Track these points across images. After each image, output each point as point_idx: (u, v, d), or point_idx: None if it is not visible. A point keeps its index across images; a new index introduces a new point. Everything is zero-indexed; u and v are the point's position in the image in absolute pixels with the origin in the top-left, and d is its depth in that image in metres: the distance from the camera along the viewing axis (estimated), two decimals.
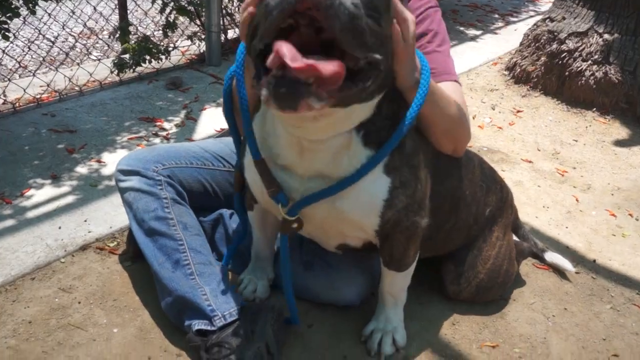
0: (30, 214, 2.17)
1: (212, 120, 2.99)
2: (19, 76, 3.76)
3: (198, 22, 3.80)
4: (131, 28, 3.62)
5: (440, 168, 1.58)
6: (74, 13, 3.64)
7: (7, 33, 2.65)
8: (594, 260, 2.25)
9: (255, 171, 1.44)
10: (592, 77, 3.54)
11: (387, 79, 1.24)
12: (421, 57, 1.40)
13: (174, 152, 1.91)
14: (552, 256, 2.17)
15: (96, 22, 4.55)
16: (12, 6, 2.61)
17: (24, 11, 2.74)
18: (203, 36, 3.76)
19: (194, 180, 1.91)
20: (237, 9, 4.02)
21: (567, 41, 3.69)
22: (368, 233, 1.48)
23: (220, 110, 3.11)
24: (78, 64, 3.40)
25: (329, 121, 1.21)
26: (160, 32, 3.67)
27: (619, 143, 3.26)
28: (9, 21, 2.64)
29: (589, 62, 3.58)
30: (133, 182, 1.80)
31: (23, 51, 4.01)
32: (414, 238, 1.53)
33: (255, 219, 1.76)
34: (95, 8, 3.80)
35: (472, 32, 5.05)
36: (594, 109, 3.56)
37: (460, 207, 1.73)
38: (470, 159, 1.79)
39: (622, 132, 3.36)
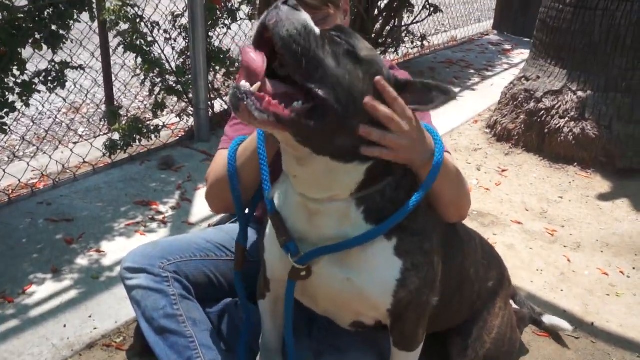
0: (34, 313, 2.17)
1: None
2: (7, 158, 3.79)
3: (186, 98, 3.88)
4: (118, 104, 3.69)
5: (447, 246, 1.64)
6: (59, 95, 3.70)
7: (4, 127, 2.69)
8: (592, 324, 2.30)
9: (273, 244, 1.48)
10: (570, 134, 3.67)
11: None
12: (431, 130, 1.45)
13: (177, 246, 1.94)
14: (549, 319, 2.22)
15: (83, 98, 4.62)
16: (9, 101, 2.67)
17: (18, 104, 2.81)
18: (191, 112, 3.84)
19: (199, 273, 1.93)
20: (223, 83, 4.12)
21: (543, 99, 3.84)
22: (381, 311, 1.52)
23: None
24: (71, 150, 3.43)
25: (313, 169, 1.27)
26: (147, 105, 3.74)
27: (603, 197, 3.36)
28: (5, 116, 2.69)
29: (566, 119, 3.71)
30: (140, 280, 1.82)
31: (10, 132, 4.05)
32: (424, 316, 1.58)
33: (266, 308, 1.77)
34: (80, 86, 3.88)
35: None
36: (575, 163, 3.68)
37: (465, 284, 1.78)
38: (472, 238, 1.86)
39: (605, 186, 3.47)
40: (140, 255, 1.88)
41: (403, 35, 5.83)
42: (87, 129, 4.42)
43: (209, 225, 2.74)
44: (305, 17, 1.19)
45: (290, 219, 1.44)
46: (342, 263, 1.42)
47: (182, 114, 3.87)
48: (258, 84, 1.16)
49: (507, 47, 7.04)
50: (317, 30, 1.21)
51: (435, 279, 1.54)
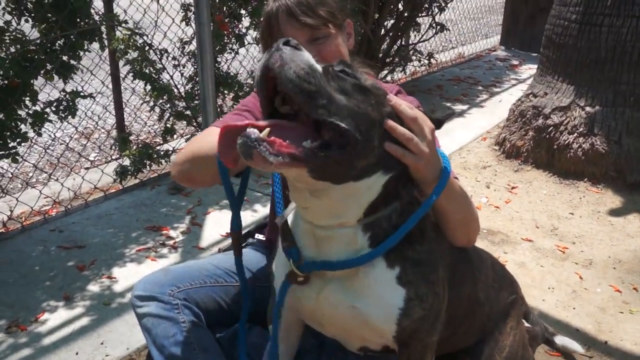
0: (47, 341, 2.19)
1: (217, 224, 3.06)
2: (20, 185, 3.84)
3: (194, 123, 3.92)
4: (129, 133, 3.74)
5: (457, 274, 1.64)
6: (70, 123, 3.76)
7: (16, 157, 2.74)
8: (606, 342, 2.28)
9: (283, 272, 1.49)
10: (579, 149, 3.67)
11: (384, 163, 1.31)
12: (439, 151, 1.46)
13: (187, 273, 1.95)
14: (562, 340, 2.20)
15: (90, 122, 4.68)
16: (22, 132, 2.72)
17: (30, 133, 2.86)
18: None
19: (209, 299, 1.94)
20: (232, 107, 4.16)
21: (551, 116, 3.84)
22: (387, 338, 1.52)
23: (224, 213, 3.19)
24: (82, 177, 3.48)
25: (329, 198, 1.29)
26: (157, 130, 3.78)
27: (614, 212, 3.34)
28: (18, 146, 2.74)
29: (575, 134, 3.71)
30: (151, 307, 1.83)
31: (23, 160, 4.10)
32: (430, 346, 1.57)
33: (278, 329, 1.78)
34: (90, 113, 3.93)
35: (459, 107, 5.23)
36: (585, 179, 3.66)
37: (475, 310, 1.77)
38: (484, 260, 1.85)
39: (616, 201, 3.45)
40: (150, 282, 1.89)
41: (410, 53, 5.87)
42: (98, 155, 4.47)
43: (219, 250, 2.75)
44: (308, 56, 1.22)
45: (299, 243, 1.46)
46: (348, 290, 1.43)
47: (191, 139, 3.91)
48: (267, 130, 1.18)
49: (515, 62, 7.06)
50: (320, 67, 1.24)
51: (440, 310, 1.54)
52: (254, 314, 1.93)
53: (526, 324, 2.20)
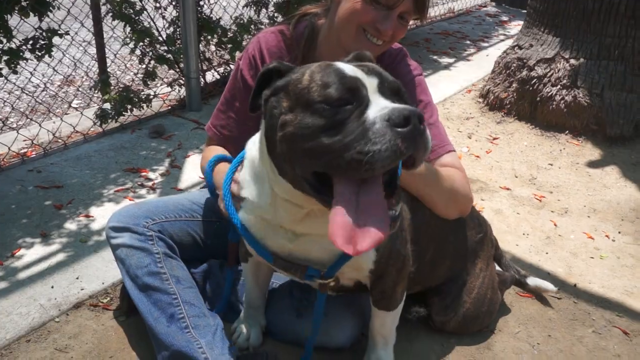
0: (22, 275, 2.20)
1: (196, 167, 3.05)
2: (1, 129, 3.80)
3: (177, 68, 3.87)
4: (111, 78, 3.69)
5: (413, 201, 1.71)
6: (52, 67, 3.69)
7: None
8: (575, 285, 2.32)
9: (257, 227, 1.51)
10: (562, 101, 3.67)
11: None
12: None
13: (162, 206, 1.96)
14: (533, 281, 2.25)
15: (74, 70, 4.61)
16: None
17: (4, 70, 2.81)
18: (182, 82, 3.83)
19: (183, 233, 1.96)
20: (214, 53, 4.11)
21: (536, 67, 3.82)
22: (363, 271, 1.55)
23: None
24: (61, 118, 3.44)
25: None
26: (140, 77, 3.73)
27: (592, 164, 3.37)
28: None
29: (558, 86, 3.70)
30: (125, 238, 1.85)
31: (3, 103, 4.05)
32: (403, 270, 1.61)
33: (249, 270, 1.81)
34: (73, 59, 3.87)
35: (445, 60, 5.20)
36: (567, 131, 3.68)
37: (436, 235, 1.82)
38: None
39: (595, 153, 3.47)
40: (125, 214, 1.90)
41: None
42: (81, 101, 4.41)
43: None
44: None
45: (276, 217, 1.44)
46: (323, 237, 1.44)
47: (173, 84, 3.87)
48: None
49: (505, 18, 6.99)
50: None
51: (406, 229, 1.61)
52: (222, 250, 1.95)
53: (498, 268, 2.24)
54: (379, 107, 1.13)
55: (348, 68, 1.22)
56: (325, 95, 1.16)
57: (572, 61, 3.70)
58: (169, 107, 3.83)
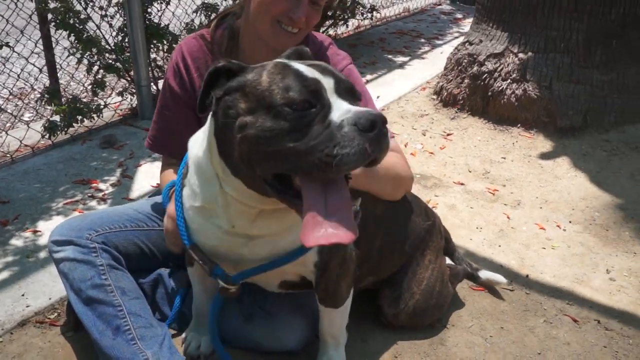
0: None
1: (148, 176, 3.00)
2: None
3: (127, 77, 3.81)
4: (63, 89, 3.61)
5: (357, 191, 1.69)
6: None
7: None
8: (527, 276, 2.35)
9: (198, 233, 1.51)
10: (512, 95, 3.72)
11: None
12: None
13: (106, 217, 1.92)
14: (485, 274, 2.27)
15: (26, 82, 4.50)
16: None
17: None
18: (134, 90, 3.77)
19: (129, 243, 1.92)
20: (165, 60, 4.05)
21: (486, 63, 3.88)
22: (307, 266, 1.55)
23: (156, 165, 3.13)
24: (6, 132, 3.35)
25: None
26: (88, 85, 3.66)
27: (544, 156, 3.42)
28: None
29: (508, 81, 3.76)
30: (67, 252, 1.80)
31: None
32: (345, 264, 1.61)
33: (195, 274, 1.79)
34: (21, 71, 3.78)
35: (400, 59, 5.23)
36: (519, 125, 3.73)
37: (384, 220, 1.83)
38: None
39: (546, 145, 3.53)
40: (67, 227, 1.85)
41: (354, 7, 5.80)
42: (33, 115, 4.31)
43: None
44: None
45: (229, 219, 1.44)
46: (271, 238, 1.47)
47: (124, 93, 3.80)
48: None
49: (459, 16, 7.08)
50: None
51: None
52: (171, 259, 1.93)
53: (450, 262, 2.26)
54: (341, 109, 1.16)
55: (305, 69, 1.24)
56: (288, 98, 1.17)
57: (521, 55, 3.76)
58: (121, 117, 3.76)
